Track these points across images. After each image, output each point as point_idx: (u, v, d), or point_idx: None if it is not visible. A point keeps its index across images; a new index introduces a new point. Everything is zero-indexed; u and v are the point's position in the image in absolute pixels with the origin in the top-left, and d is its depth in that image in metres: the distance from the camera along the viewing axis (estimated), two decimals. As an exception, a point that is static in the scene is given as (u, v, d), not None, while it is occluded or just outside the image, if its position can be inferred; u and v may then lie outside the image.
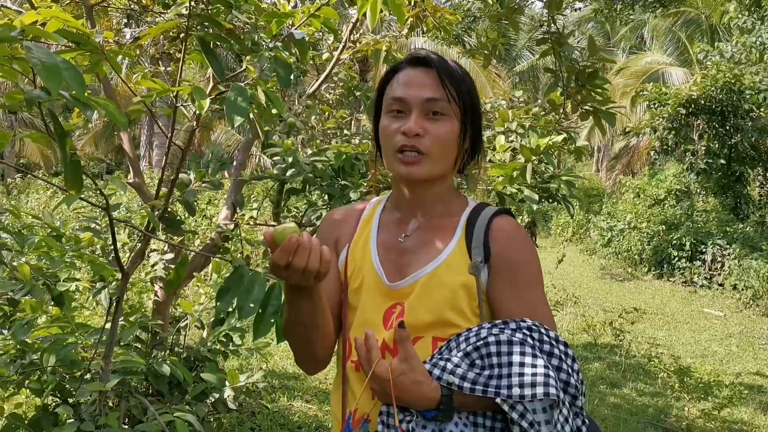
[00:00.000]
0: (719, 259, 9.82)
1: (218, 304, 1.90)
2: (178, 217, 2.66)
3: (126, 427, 2.54)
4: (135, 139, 17.64)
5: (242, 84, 2.11)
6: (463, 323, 1.20)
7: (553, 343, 1.12)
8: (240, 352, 3.45)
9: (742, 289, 8.84)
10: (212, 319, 3.36)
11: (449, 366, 1.10)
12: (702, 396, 4.50)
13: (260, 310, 1.82)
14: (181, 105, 2.18)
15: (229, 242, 3.37)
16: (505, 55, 19.41)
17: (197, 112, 2.04)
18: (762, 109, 11.95)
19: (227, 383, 3.04)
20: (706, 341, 6.86)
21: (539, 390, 1.04)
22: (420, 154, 1.20)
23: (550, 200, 2.87)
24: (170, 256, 3.33)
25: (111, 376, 2.45)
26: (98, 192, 2.03)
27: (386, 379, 1.09)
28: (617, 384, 5.18)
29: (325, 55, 3.46)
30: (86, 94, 1.50)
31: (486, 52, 3.02)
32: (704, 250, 10.02)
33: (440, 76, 1.21)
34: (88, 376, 2.61)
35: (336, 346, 1.37)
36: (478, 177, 1.36)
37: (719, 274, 9.66)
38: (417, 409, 1.10)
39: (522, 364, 1.06)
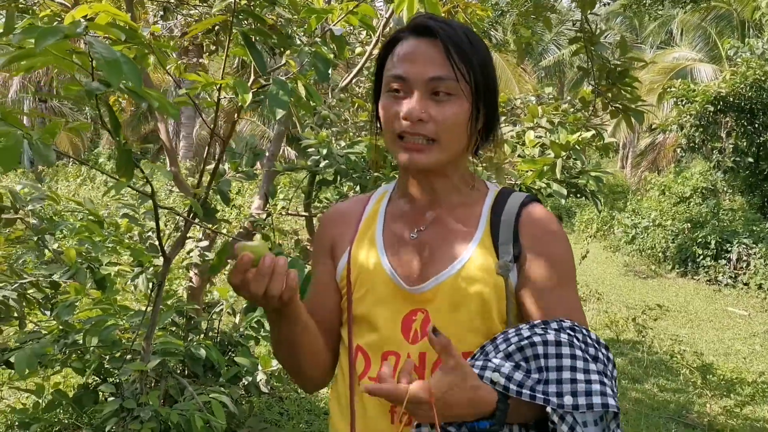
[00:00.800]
0: (745, 258, 9.74)
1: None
2: (213, 206, 2.76)
3: (164, 406, 2.65)
4: (155, 131, 17.89)
5: (283, 78, 2.19)
6: (490, 332, 1.05)
7: (596, 345, 0.99)
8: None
9: (767, 289, 8.78)
10: (245, 305, 3.46)
11: (492, 364, 0.95)
12: (724, 393, 4.51)
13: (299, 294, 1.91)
14: (224, 97, 2.27)
15: (261, 231, 3.46)
16: (530, 50, 19.34)
17: (240, 104, 2.12)
18: (791, 108, 11.80)
19: (260, 367, 3.14)
20: (730, 340, 6.84)
21: (596, 400, 0.89)
22: (428, 142, 1.04)
23: (578, 195, 2.92)
24: (205, 243, 3.43)
25: (152, 357, 2.56)
26: (144, 180, 2.13)
27: (427, 401, 0.90)
28: (639, 379, 5.21)
29: (358, 50, 3.53)
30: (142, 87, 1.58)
31: (519, 49, 3.06)
32: (730, 248, 9.94)
33: (447, 49, 1.02)
34: (128, 357, 2.72)
35: (332, 363, 1.21)
36: (503, 169, 1.29)
37: (744, 274, 9.58)
38: (470, 419, 0.94)
39: (573, 369, 0.92)
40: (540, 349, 0.94)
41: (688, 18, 18.82)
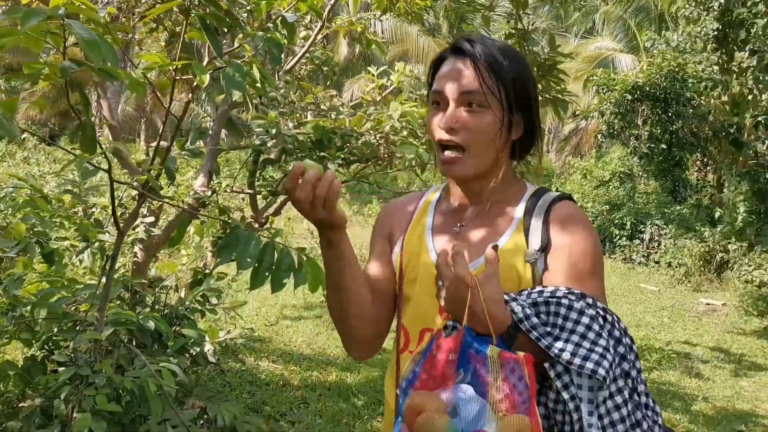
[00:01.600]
0: (656, 238, 10.43)
1: (218, 259, 2.14)
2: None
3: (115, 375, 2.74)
4: (77, 104, 17.29)
5: (238, 61, 2.31)
6: None
7: (623, 333, 1.05)
8: (216, 311, 3.65)
9: (676, 267, 9.46)
10: (190, 280, 3.55)
11: (519, 300, 1.05)
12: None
13: (256, 264, 2.08)
14: (179, 78, 2.36)
15: (206, 207, 3.56)
16: (461, 35, 19.65)
17: (197, 84, 2.22)
18: (702, 98, 12.59)
19: (207, 338, 3.25)
20: (641, 313, 7.39)
21: (589, 365, 0.97)
22: (459, 150, 1.18)
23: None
24: (150, 219, 3.50)
25: (104, 328, 2.64)
26: (102, 155, 2.22)
27: (466, 285, 1.01)
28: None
29: (303, 33, 3.64)
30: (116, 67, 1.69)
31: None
32: (643, 229, 10.61)
33: (477, 68, 1.16)
34: (78, 328, 2.79)
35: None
36: (540, 173, 1.36)
37: (656, 252, 10.27)
38: (481, 331, 1.03)
39: (584, 336, 0.99)
40: (563, 311, 1.02)
41: (610, 9, 19.63)
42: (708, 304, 8.08)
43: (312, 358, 4.83)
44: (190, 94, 2.47)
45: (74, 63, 1.75)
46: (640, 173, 13.36)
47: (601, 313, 1.03)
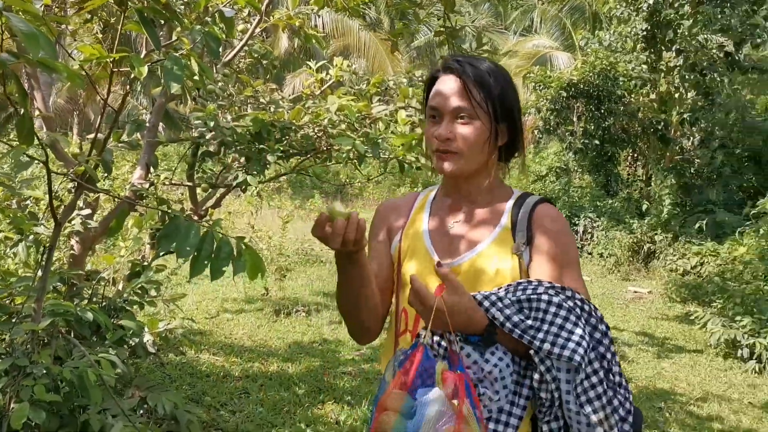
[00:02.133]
0: (590, 230, 10.84)
1: (158, 248, 2.19)
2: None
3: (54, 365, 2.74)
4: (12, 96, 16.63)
5: (177, 54, 2.36)
6: None
7: (599, 320, 1.22)
8: (155, 303, 3.66)
9: (607, 257, 9.86)
10: (128, 272, 3.55)
11: (499, 304, 1.21)
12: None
13: (195, 253, 2.14)
14: (116, 70, 2.39)
15: (144, 200, 3.57)
16: (402, 31, 19.85)
17: (135, 76, 2.26)
18: (633, 95, 13.11)
19: (146, 329, 3.27)
20: (574, 301, 7.69)
21: (566, 353, 1.14)
22: (453, 154, 1.35)
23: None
24: (87, 211, 3.48)
25: (42, 319, 2.64)
26: (39, 146, 2.24)
27: (442, 310, 1.17)
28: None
29: (241, 27, 3.68)
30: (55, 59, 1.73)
31: (393, 40, 3.37)
32: (577, 222, 11.00)
33: (465, 85, 1.34)
34: (14, 320, 2.77)
35: (387, 321, 1.50)
36: (520, 168, 1.55)
37: (589, 244, 10.67)
38: (464, 333, 1.21)
39: (562, 327, 1.17)
40: (543, 305, 1.19)
41: (546, 8, 20.15)
42: (635, 292, 8.48)
43: (253, 350, 4.88)
44: (127, 86, 2.50)
45: (12, 55, 1.78)
46: (575, 168, 13.82)
47: (579, 304, 1.22)
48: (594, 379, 1.17)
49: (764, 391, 5.18)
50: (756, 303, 6.05)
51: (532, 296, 1.21)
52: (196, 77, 2.52)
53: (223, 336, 5.10)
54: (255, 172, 3.18)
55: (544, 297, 1.20)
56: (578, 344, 1.15)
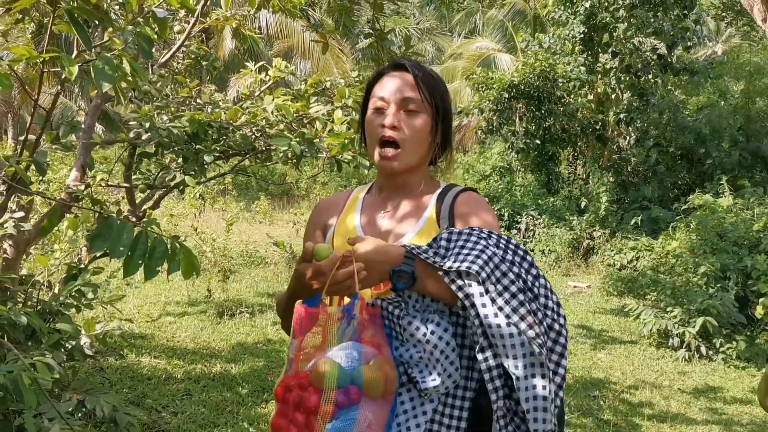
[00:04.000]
0: (532, 228, 11.12)
1: (92, 248, 2.20)
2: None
3: (-15, 371, 2.69)
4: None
5: (108, 54, 2.36)
6: None
7: (516, 247, 1.28)
8: (93, 306, 3.62)
9: (548, 253, 10.13)
10: (64, 275, 3.50)
11: (408, 244, 1.31)
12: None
13: (129, 253, 2.16)
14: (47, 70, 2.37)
15: (80, 202, 3.52)
16: (348, 33, 19.92)
17: (66, 76, 2.25)
18: (571, 96, 13.49)
19: (83, 332, 3.23)
20: (516, 297, 7.89)
21: (464, 265, 1.19)
22: (397, 148, 1.43)
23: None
24: (20, 214, 3.42)
25: (-28, 323, 2.59)
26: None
27: (353, 262, 1.25)
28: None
29: (177, 28, 3.68)
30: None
31: (324, 41, 3.42)
32: (519, 220, 11.27)
33: (416, 80, 1.45)
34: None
35: None
36: (447, 171, 1.65)
37: (531, 241, 10.94)
38: (386, 274, 1.26)
39: (471, 250, 1.23)
40: (455, 236, 1.28)
41: (493, 13, 20.53)
42: (575, 286, 8.75)
43: (196, 352, 4.85)
44: (59, 87, 2.48)
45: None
46: (518, 167, 14.13)
47: (492, 234, 1.28)
48: (513, 288, 1.18)
49: (693, 378, 5.44)
50: (686, 294, 6.34)
51: (451, 234, 1.30)
52: (129, 78, 2.52)
53: (165, 339, 5.06)
54: (193, 173, 3.19)
55: (461, 232, 1.29)
56: (477, 257, 1.20)
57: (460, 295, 1.20)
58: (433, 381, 1.24)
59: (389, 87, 1.47)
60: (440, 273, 1.23)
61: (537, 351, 1.17)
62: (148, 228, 2.49)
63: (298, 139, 3.02)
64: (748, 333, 6.36)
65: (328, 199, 1.66)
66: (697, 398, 4.94)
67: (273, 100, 3.18)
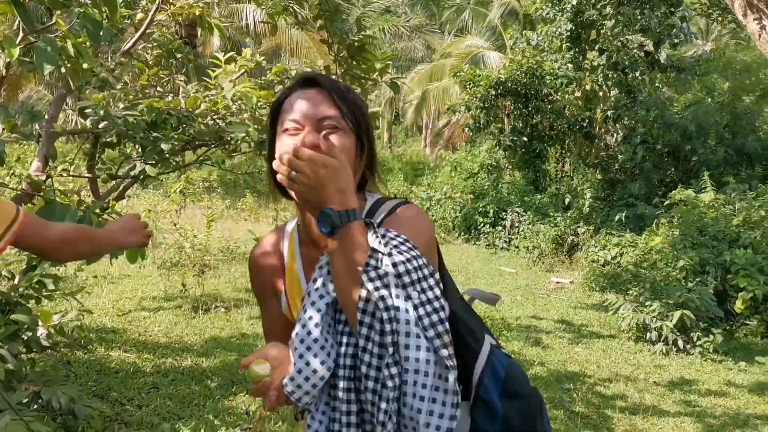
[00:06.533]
0: (517, 224, 11.10)
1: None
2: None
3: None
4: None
5: (52, 36, 2.32)
6: None
7: (418, 257, 1.16)
8: (54, 297, 3.58)
9: (532, 250, 10.12)
10: (24, 266, 3.46)
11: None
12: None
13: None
14: (-10, 53, 2.33)
15: (42, 192, 3.48)
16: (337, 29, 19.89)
17: (7, 59, 2.22)
18: (559, 94, 13.48)
19: (40, 323, 3.19)
20: (498, 292, 7.85)
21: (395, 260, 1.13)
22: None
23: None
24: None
25: None
26: None
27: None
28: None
29: (140, 15, 3.63)
30: None
31: (271, 21, 3.37)
32: (504, 216, 11.26)
33: (331, 95, 1.24)
34: None
35: None
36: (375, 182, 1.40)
37: (516, 238, 10.93)
38: (326, 196, 1.15)
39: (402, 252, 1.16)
40: (391, 234, 1.18)
41: (479, 9, 20.55)
42: (558, 282, 8.74)
43: (168, 346, 4.81)
44: (4, 71, 2.44)
45: None
46: (506, 165, 14.12)
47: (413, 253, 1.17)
48: (429, 295, 1.13)
49: (669, 371, 5.43)
50: (665, 288, 6.33)
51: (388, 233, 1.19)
52: (73, 59, 2.48)
53: (137, 333, 5.01)
54: (152, 162, 3.14)
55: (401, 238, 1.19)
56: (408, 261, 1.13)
57: (372, 290, 1.11)
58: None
59: (301, 107, 1.24)
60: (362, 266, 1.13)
61: (444, 365, 1.11)
62: (93, 213, 2.45)
63: (256, 126, 2.99)
64: (727, 327, 6.36)
65: (260, 252, 1.44)
66: (671, 391, 4.92)
67: (232, 87, 3.14)
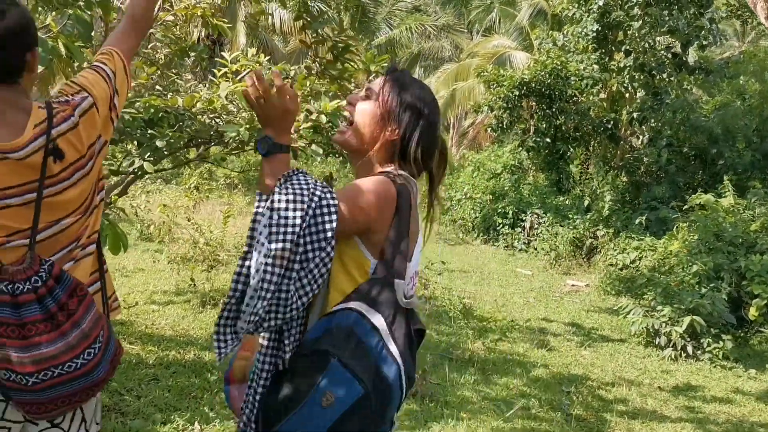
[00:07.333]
0: (536, 226, 11.04)
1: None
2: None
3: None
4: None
5: (44, 36, 2.41)
6: None
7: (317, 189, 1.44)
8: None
9: (549, 252, 10.05)
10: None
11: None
12: (485, 332, 5.31)
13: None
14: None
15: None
16: (363, 28, 19.98)
17: None
18: (584, 95, 13.35)
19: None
20: (510, 294, 7.86)
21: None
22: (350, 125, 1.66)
23: (336, 155, 3.38)
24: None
25: None
26: None
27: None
28: (421, 326, 5.91)
29: (144, 16, 3.72)
30: None
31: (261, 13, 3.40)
32: (524, 218, 11.20)
33: (385, 82, 1.62)
34: None
35: None
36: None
37: (535, 240, 10.87)
38: (268, 122, 1.45)
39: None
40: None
41: (507, 9, 20.41)
42: (573, 285, 8.68)
43: (173, 339, 4.92)
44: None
45: None
46: (530, 166, 14.03)
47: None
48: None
49: (676, 377, 5.37)
50: (678, 293, 6.25)
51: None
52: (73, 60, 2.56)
53: (144, 326, 5.13)
54: (150, 159, 3.23)
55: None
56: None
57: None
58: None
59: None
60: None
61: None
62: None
63: (247, 126, 3.05)
64: (741, 334, 6.26)
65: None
66: (675, 396, 4.87)
67: (227, 87, 3.21)
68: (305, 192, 1.40)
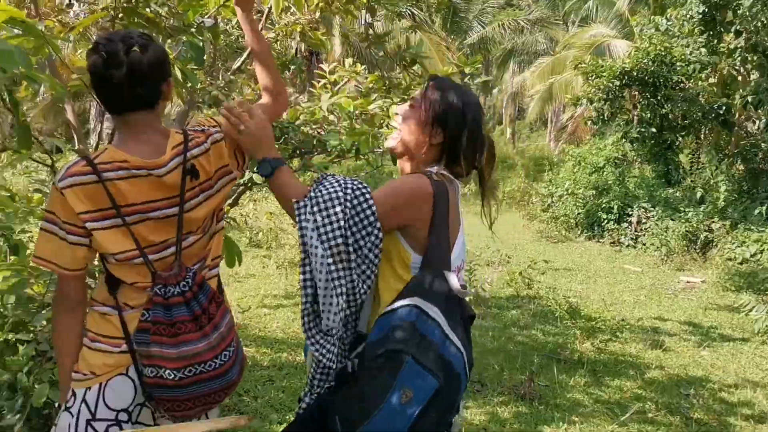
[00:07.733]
0: (644, 221, 10.58)
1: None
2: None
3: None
4: (85, 112, 17.74)
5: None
6: None
7: (361, 195, 1.56)
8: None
9: (660, 247, 9.61)
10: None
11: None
12: (593, 332, 5.17)
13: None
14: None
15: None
16: (455, 28, 19.91)
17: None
18: (691, 81, 12.67)
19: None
20: (619, 292, 7.58)
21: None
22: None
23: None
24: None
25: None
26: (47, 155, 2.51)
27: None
28: (527, 326, 5.83)
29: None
30: (32, 71, 1.97)
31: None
32: (630, 213, 10.76)
33: (427, 88, 1.75)
34: (43, 311, 3.08)
35: None
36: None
37: (644, 235, 10.42)
38: (256, 150, 1.65)
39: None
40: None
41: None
42: (688, 281, 8.25)
43: (284, 342, 5.11)
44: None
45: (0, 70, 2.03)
46: (634, 158, 13.48)
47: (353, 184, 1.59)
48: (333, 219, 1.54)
49: (808, 379, 5.00)
50: (807, 288, 5.83)
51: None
52: (188, 83, 2.74)
53: (257, 329, 5.37)
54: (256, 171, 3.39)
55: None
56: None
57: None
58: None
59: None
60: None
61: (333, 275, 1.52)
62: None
63: (347, 133, 3.14)
64: None
65: None
66: (807, 400, 4.54)
67: (329, 98, 3.32)
68: (338, 188, 1.54)
